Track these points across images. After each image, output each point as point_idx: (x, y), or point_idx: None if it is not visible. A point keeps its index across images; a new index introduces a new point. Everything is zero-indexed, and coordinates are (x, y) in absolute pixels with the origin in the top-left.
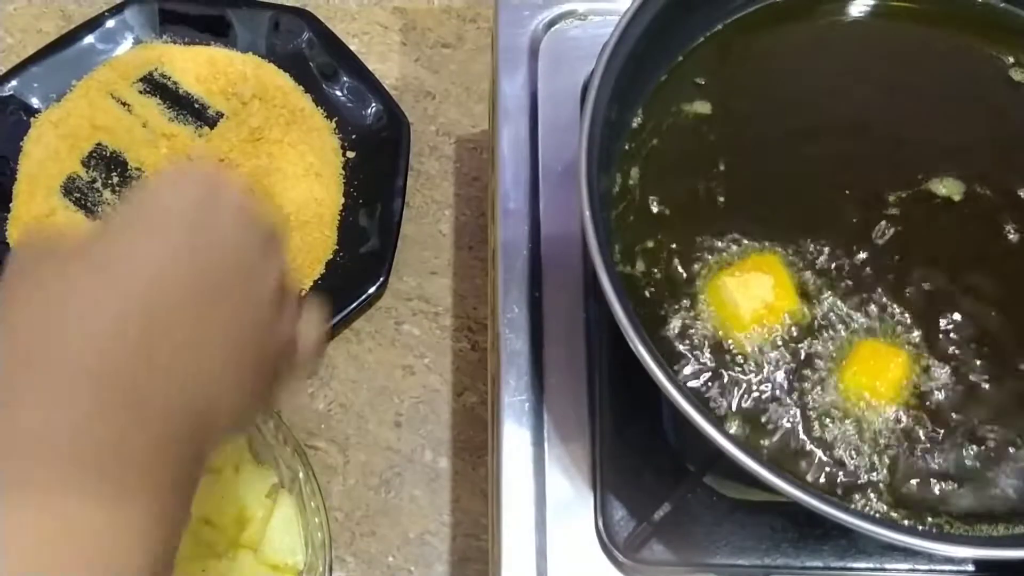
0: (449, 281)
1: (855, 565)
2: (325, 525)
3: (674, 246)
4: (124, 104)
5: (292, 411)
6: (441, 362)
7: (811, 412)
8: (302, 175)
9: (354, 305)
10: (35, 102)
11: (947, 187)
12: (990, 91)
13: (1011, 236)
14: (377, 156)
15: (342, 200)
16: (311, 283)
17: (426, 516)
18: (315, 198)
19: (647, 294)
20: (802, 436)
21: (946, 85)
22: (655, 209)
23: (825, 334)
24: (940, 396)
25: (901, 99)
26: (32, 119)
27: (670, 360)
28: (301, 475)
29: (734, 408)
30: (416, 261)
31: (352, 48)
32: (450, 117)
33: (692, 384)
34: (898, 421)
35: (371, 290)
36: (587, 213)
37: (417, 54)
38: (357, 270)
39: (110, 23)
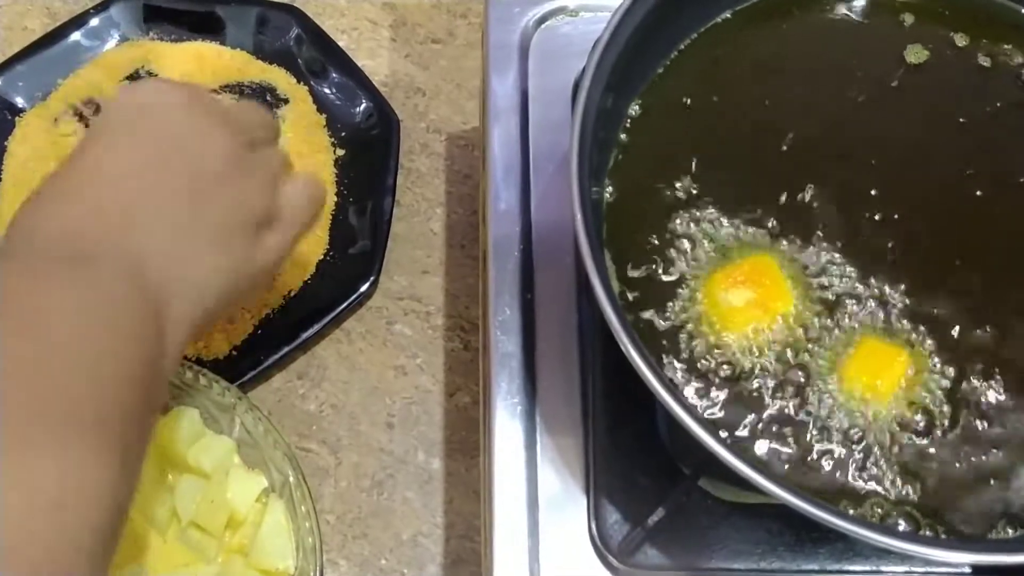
0: (441, 280)
1: (851, 568)
2: (316, 529)
3: (668, 245)
4: None
5: (283, 413)
6: (433, 362)
7: (807, 414)
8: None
9: (345, 305)
10: (20, 101)
11: (949, 184)
12: (999, 88)
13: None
14: (367, 154)
15: (334, 200)
16: (302, 284)
17: (419, 518)
18: None
19: (640, 294)
20: (798, 438)
21: (948, 82)
22: (648, 206)
23: (822, 334)
24: (941, 396)
25: (905, 95)
26: (17, 118)
27: (663, 362)
28: (291, 479)
29: (728, 411)
30: (407, 260)
31: (341, 44)
32: (441, 114)
33: (685, 387)
34: (898, 421)
35: (362, 290)
36: (579, 216)
37: (407, 50)
38: (348, 270)
39: (96, 20)
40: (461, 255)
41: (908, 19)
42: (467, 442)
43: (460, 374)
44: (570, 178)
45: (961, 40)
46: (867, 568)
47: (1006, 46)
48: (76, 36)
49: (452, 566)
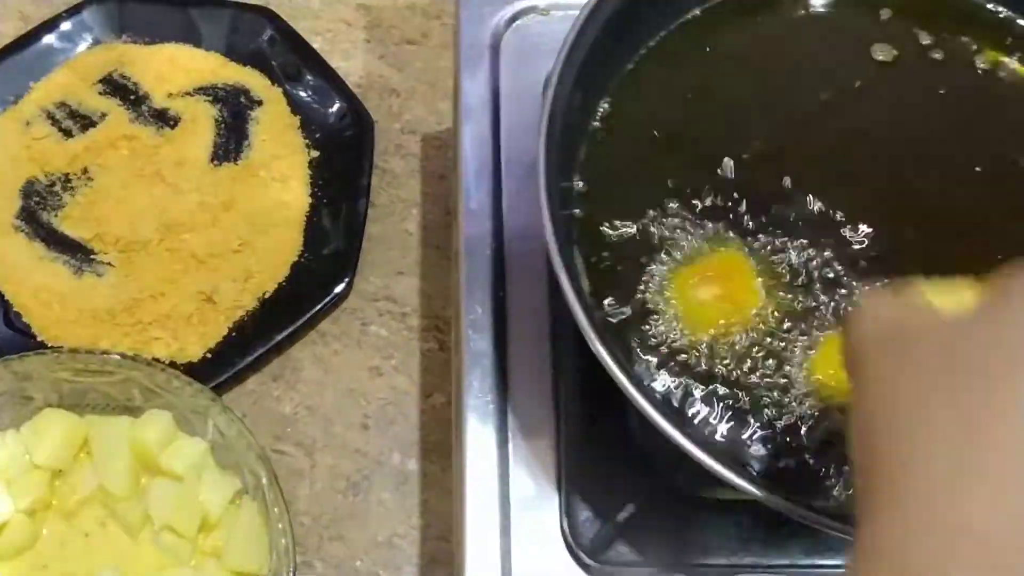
0: (416, 281)
1: (823, 561)
2: (289, 531)
3: (638, 241)
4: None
5: (257, 415)
6: (409, 363)
7: (778, 408)
8: (270, 178)
9: (319, 307)
10: None
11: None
12: (968, 84)
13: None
14: (342, 155)
15: (308, 201)
16: (276, 286)
17: (394, 519)
18: (282, 201)
19: (611, 291)
20: (770, 433)
21: (923, 78)
22: (619, 203)
23: (792, 329)
24: None
25: (872, 91)
26: None
27: (633, 360)
28: (264, 480)
29: (699, 407)
30: (382, 261)
31: (315, 46)
32: (416, 114)
33: (656, 384)
34: None
35: (337, 291)
36: (546, 216)
37: (382, 51)
38: (322, 271)
39: (68, 24)
40: (436, 256)
41: (885, 13)
42: (443, 443)
43: (436, 375)
44: (538, 178)
45: (925, 38)
46: (838, 561)
47: (963, 38)
48: (48, 39)
49: (428, 567)
